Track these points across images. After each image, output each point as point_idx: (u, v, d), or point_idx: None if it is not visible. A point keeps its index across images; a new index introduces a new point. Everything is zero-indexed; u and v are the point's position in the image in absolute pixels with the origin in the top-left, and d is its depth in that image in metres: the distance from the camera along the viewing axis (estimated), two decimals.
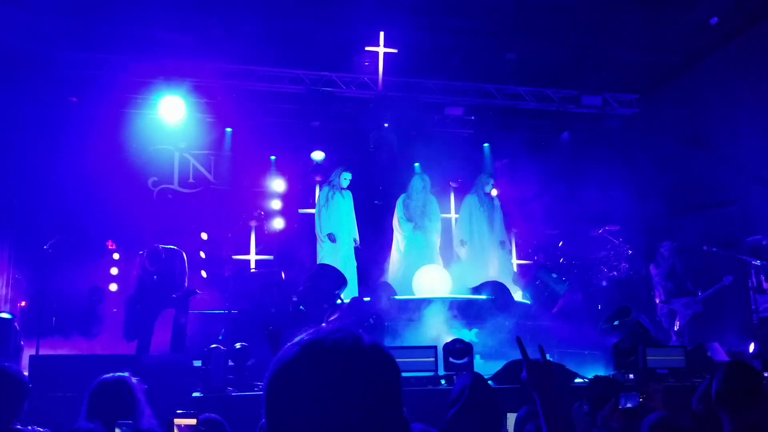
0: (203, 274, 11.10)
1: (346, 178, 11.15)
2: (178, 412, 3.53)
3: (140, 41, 11.76)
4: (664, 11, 12.04)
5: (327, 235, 10.89)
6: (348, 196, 11.23)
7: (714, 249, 10.68)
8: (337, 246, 10.90)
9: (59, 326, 9.62)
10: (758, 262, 10.53)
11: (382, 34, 11.91)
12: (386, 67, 12.25)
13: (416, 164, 13.04)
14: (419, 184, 11.26)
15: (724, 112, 12.40)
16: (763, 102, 11.54)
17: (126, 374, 3.89)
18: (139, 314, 8.19)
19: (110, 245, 11.42)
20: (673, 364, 7.33)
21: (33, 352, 7.52)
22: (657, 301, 11.37)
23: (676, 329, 10.56)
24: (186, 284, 8.46)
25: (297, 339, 1.40)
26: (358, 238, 11.08)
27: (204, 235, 11.58)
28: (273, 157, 12.96)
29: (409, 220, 10.96)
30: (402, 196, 11.28)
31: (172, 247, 8.79)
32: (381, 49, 12.03)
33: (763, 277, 10.81)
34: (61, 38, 11.45)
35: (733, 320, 11.20)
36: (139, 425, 3.69)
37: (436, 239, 11.26)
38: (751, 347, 8.23)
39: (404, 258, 10.97)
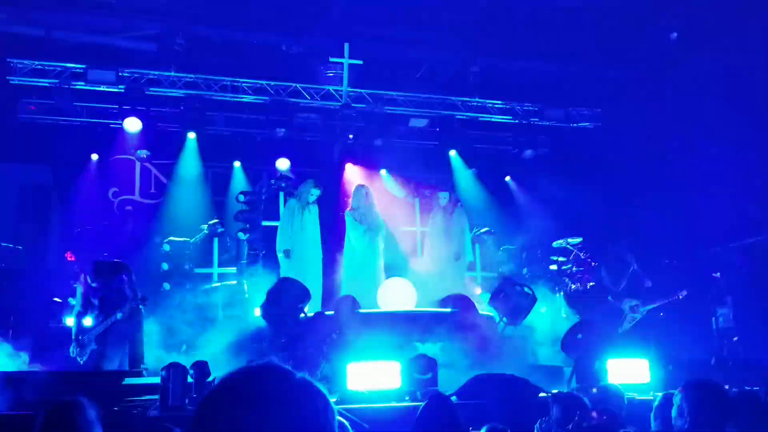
0: (166, 286, 10.88)
1: (314, 194, 10.99)
2: None
3: (101, 50, 11.62)
4: (626, 26, 12.23)
5: (283, 251, 10.77)
6: (314, 210, 11.07)
7: (675, 261, 10.80)
8: (302, 259, 10.77)
9: (15, 341, 9.34)
10: (718, 274, 10.69)
11: (347, 45, 11.90)
12: (351, 78, 12.24)
13: (382, 174, 13.04)
14: (361, 195, 11.13)
15: (685, 125, 12.59)
16: (723, 115, 11.74)
17: (80, 398, 3.76)
18: (88, 331, 7.96)
19: (69, 257, 11.16)
20: (636, 377, 7.37)
21: None
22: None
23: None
24: (136, 297, 8.15)
25: (225, 375, 1.42)
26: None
27: (166, 247, 11.35)
28: (236, 167, 12.84)
29: (361, 223, 10.86)
30: (347, 211, 11.12)
31: (115, 260, 8.59)
32: (346, 61, 12.02)
33: (722, 289, 10.97)
34: (18, 46, 11.25)
35: (693, 331, 11.34)
36: None
37: (380, 249, 11.09)
38: (713, 360, 8.32)
39: (346, 270, 10.93)
